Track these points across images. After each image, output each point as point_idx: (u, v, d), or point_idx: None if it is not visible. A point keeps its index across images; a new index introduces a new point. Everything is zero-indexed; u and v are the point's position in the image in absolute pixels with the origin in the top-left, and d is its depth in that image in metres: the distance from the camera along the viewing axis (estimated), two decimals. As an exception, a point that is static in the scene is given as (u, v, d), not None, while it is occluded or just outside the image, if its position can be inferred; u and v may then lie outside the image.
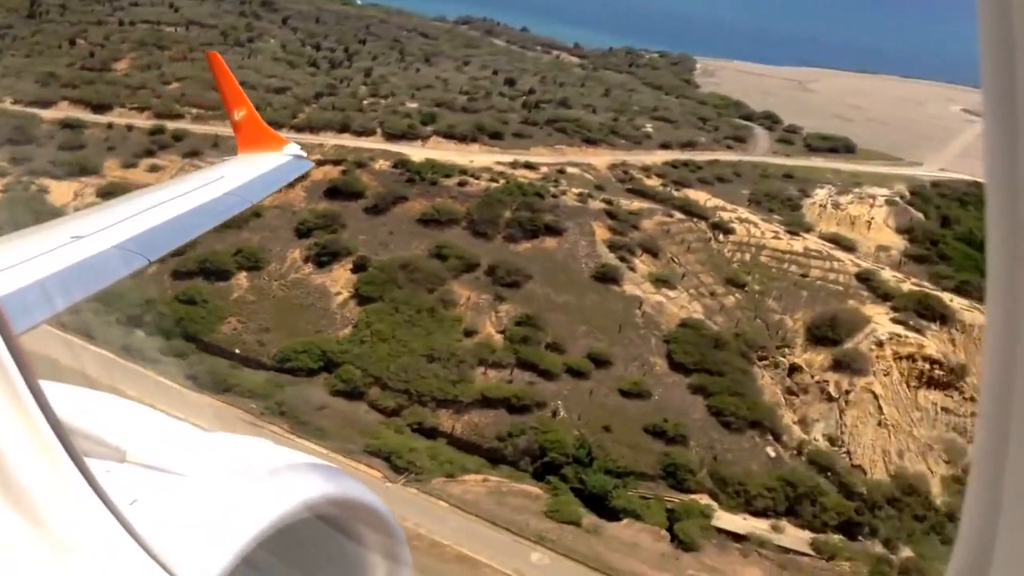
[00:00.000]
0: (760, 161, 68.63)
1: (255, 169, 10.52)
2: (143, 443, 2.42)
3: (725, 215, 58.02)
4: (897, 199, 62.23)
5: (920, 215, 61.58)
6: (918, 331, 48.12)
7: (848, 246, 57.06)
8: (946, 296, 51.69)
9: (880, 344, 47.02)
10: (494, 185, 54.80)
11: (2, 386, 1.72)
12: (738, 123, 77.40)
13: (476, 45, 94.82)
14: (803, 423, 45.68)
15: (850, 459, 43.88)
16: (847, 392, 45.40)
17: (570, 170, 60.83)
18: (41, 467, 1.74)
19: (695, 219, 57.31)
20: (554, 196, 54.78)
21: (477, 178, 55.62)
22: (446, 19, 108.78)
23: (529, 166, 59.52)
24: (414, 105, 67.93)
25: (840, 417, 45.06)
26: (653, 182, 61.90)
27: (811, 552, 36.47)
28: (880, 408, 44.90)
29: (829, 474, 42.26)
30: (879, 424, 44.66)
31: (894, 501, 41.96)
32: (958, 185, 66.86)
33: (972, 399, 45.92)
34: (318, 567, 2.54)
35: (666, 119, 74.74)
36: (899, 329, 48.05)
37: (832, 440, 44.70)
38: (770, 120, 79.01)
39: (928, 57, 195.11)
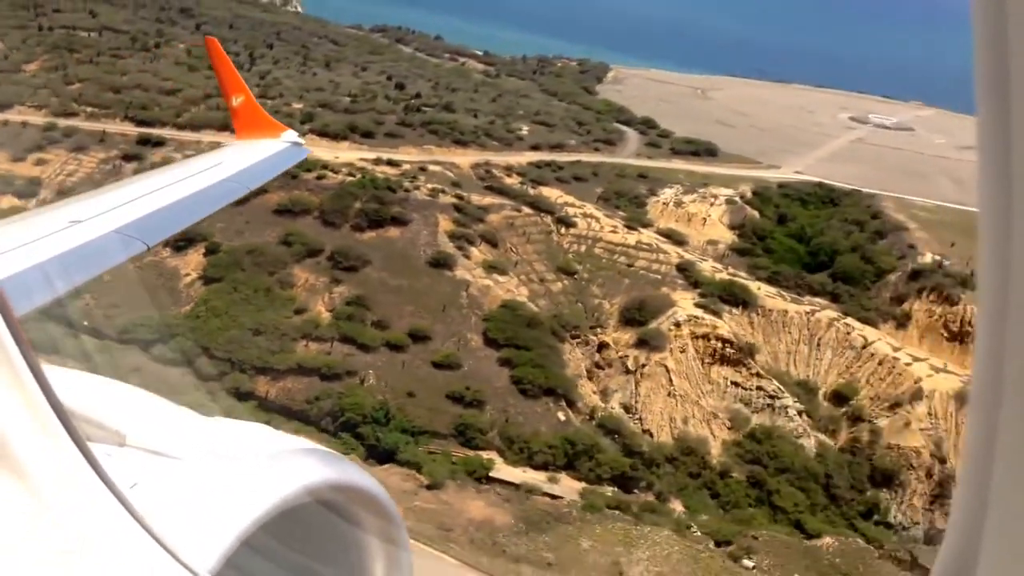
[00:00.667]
0: (620, 163, 74.35)
1: (253, 155, 10.70)
2: (143, 427, 2.45)
3: (571, 210, 63.56)
4: (737, 199, 68.12)
5: (756, 213, 67.49)
6: (716, 314, 53.81)
7: (680, 240, 62.81)
8: (755, 285, 57.54)
9: (678, 325, 52.66)
10: (350, 179, 59.98)
11: (4, 369, 1.73)
12: (614, 128, 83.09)
13: (381, 52, 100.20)
14: (604, 393, 51.22)
15: (641, 424, 49.43)
16: (643, 366, 50.99)
17: (433, 168, 66.14)
18: (44, 450, 1.75)
19: (542, 214, 62.79)
20: (406, 191, 60.03)
21: (336, 172, 60.80)
22: (362, 27, 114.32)
23: (392, 163, 64.77)
24: (299, 106, 73.10)
25: (635, 388, 50.64)
26: (512, 180, 67.38)
27: (560, 494, 41.80)
28: (671, 380, 50.50)
29: (616, 436, 47.72)
30: (668, 394, 50.25)
31: (672, 460, 47.52)
32: (803, 186, 73.03)
33: (759, 374, 51.71)
34: (318, 550, 2.59)
35: (544, 123, 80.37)
36: (699, 312, 53.71)
37: (627, 408, 50.26)
38: (646, 125, 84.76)
39: (873, 67, 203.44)
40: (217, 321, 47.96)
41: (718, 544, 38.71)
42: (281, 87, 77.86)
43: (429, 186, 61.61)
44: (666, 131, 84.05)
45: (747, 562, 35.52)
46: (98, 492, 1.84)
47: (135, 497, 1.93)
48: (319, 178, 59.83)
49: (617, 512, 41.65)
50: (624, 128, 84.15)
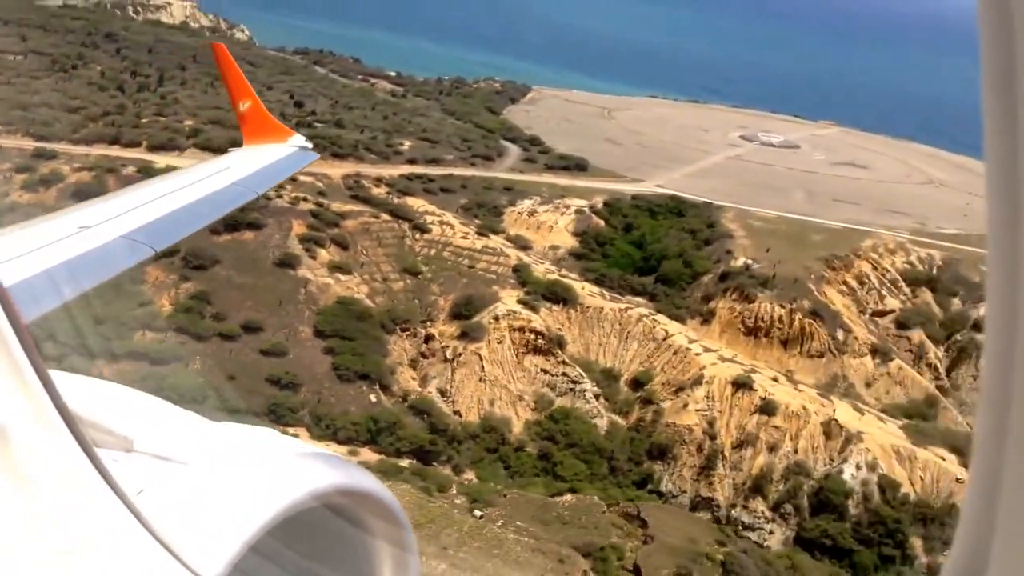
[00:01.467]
0: (491, 176, 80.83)
1: (261, 160, 10.82)
2: (150, 433, 2.48)
3: (429, 218, 69.84)
4: (586, 209, 74.56)
5: (601, 222, 73.92)
6: (534, 309, 59.95)
7: (524, 245, 69.12)
8: (580, 285, 63.75)
9: (497, 318, 58.78)
10: (215, 189, 66.25)
11: (12, 375, 1.75)
12: (498, 145, 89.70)
13: (293, 73, 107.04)
14: (424, 379, 57.23)
15: (453, 406, 55.39)
16: (459, 355, 57.04)
17: (304, 179, 72.47)
18: (51, 456, 1.77)
19: (400, 220, 69.11)
20: (267, 198, 66.27)
21: (205, 183, 67.07)
22: (284, 49, 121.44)
23: (263, 175, 71.04)
24: (190, 122, 79.60)
25: (451, 375, 56.64)
26: (379, 191, 73.76)
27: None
28: (483, 367, 56.52)
29: (425, 416, 53.63)
30: (480, 380, 56.25)
31: (475, 436, 53.43)
32: (658, 199, 79.45)
33: (565, 362, 57.73)
34: (326, 556, 2.62)
35: (429, 139, 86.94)
36: (519, 308, 59.88)
37: (442, 392, 56.23)
38: (530, 143, 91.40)
39: (822, 87, 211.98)
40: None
41: (473, 501, 44.45)
42: (178, 105, 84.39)
43: (293, 195, 67.87)
44: (547, 148, 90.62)
45: (476, 512, 41.17)
46: (105, 497, 1.85)
47: (142, 503, 1.95)
48: (187, 187, 65.99)
49: (402, 478, 47.41)
50: (509, 145, 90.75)
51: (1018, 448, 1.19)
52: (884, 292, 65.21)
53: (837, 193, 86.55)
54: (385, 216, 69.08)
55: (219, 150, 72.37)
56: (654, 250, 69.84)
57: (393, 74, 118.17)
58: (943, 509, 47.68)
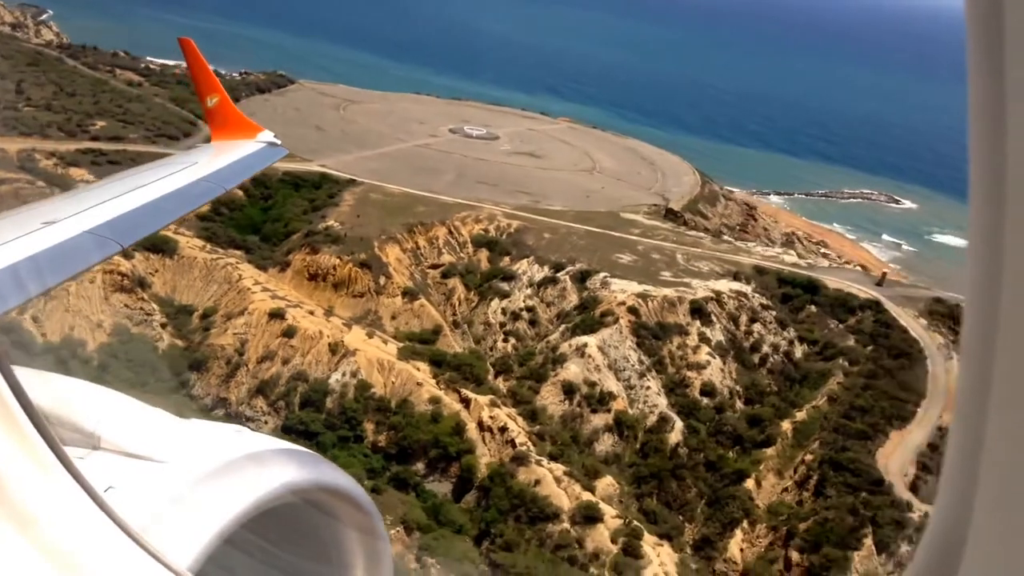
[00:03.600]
0: (166, 152, 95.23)
1: (229, 156, 11.17)
2: (118, 430, 2.52)
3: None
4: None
5: (241, 192, 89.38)
6: (127, 256, 74.87)
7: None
8: (185, 239, 78.97)
9: (94, 263, 73.56)
10: None
11: None
12: (195, 128, 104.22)
13: (38, 64, 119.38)
14: (21, 310, 71.58)
15: (41, 329, 69.80)
16: (50, 290, 71.64)
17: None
18: (17, 454, 1.77)
19: (54, 187, 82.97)
20: None
21: None
22: (51, 44, 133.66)
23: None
24: None
25: (44, 305, 71.09)
26: (48, 163, 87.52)
27: None
28: (70, 300, 71.16)
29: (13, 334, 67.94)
30: (66, 310, 70.89)
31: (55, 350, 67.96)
32: (308, 175, 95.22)
33: (143, 299, 72.75)
34: (297, 549, 2.70)
35: (125, 120, 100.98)
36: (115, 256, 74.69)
37: (34, 319, 70.62)
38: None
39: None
40: None
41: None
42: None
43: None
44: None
45: None
46: (73, 495, 1.84)
47: (111, 499, 1.94)
48: None
49: None
50: (206, 128, 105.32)
51: (994, 446, 1.23)
52: (445, 251, 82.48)
53: (485, 177, 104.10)
54: (40, 183, 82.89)
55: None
56: (275, 215, 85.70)
57: (142, 67, 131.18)
58: (389, 399, 64.52)
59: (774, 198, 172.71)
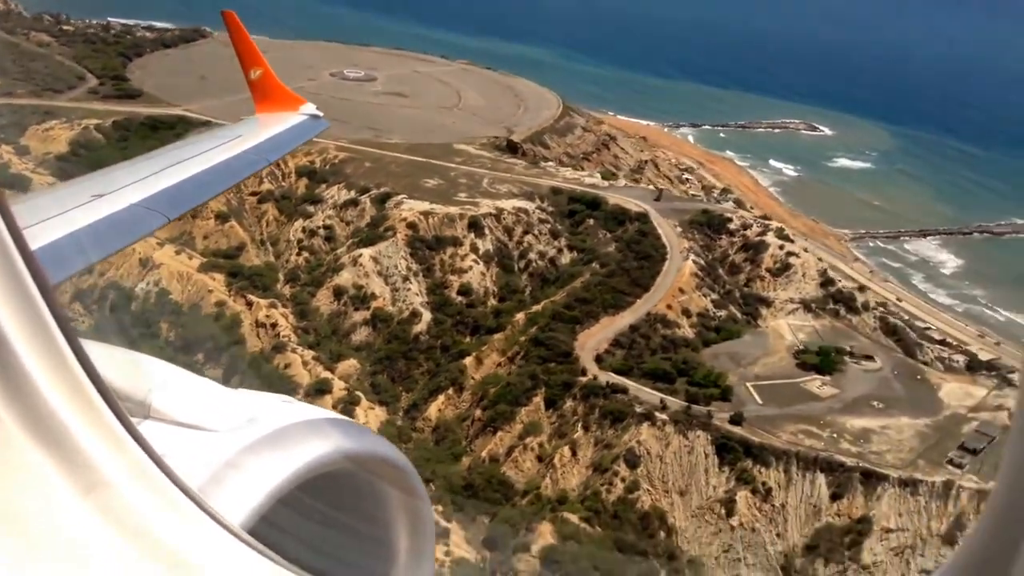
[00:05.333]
0: (47, 104, 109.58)
1: (272, 128, 11.51)
2: (168, 399, 2.62)
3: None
4: (91, 126, 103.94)
5: (101, 136, 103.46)
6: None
7: (25, 151, 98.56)
8: (35, 176, 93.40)
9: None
10: None
11: (41, 338, 1.83)
12: (81, 81, 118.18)
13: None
14: None
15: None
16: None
17: None
18: (84, 421, 1.85)
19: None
20: None
21: None
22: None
23: None
24: None
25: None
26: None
27: None
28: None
29: None
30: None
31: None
32: (168, 118, 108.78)
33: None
34: (343, 520, 2.77)
35: (8, 76, 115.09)
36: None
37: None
38: (112, 79, 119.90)
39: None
40: None
41: None
42: None
43: None
44: (124, 79, 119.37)
45: None
46: (138, 459, 1.93)
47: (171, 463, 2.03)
48: None
49: None
50: (93, 81, 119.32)
51: None
52: (267, 180, 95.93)
53: (341, 114, 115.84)
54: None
55: None
56: (127, 155, 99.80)
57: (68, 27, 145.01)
58: (183, 304, 78.89)
59: (686, 129, 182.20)
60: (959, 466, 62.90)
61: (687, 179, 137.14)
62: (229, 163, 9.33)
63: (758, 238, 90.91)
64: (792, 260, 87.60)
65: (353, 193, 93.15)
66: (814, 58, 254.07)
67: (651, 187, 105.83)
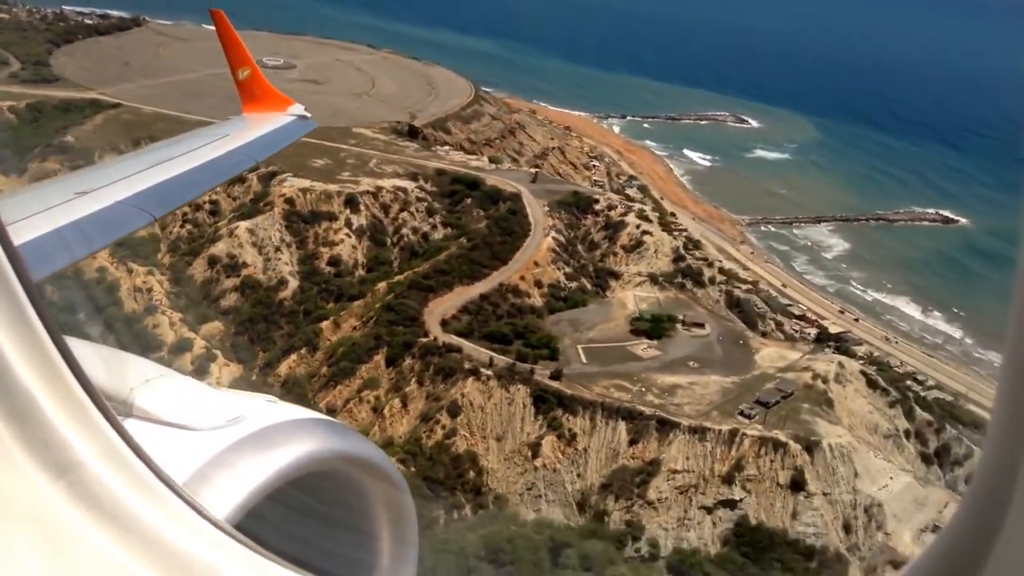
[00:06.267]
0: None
1: (259, 128, 11.62)
2: (150, 398, 2.64)
3: None
4: (5, 108, 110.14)
5: (14, 116, 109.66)
6: None
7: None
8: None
9: None
10: None
11: (22, 332, 1.84)
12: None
13: None
14: None
15: None
16: None
17: None
18: (65, 413, 1.86)
19: None
20: None
21: None
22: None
23: None
24: None
25: None
26: None
27: None
28: None
29: None
30: None
31: None
32: (81, 102, 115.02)
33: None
34: (324, 519, 2.81)
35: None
36: None
37: None
38: (34, 64, 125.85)
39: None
40: None
41: None
42: None
43: None
44: (46, 64, 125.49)
45: None
46: (119, 450, 1.93)
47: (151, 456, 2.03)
48: None
49: None
50: (15, 66, 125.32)
51: None
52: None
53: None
54: None
55: None
56: (39, 133, 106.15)
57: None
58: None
59: (615, 120, 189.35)
60: (748, 417, 70.17)
61: (594, 166, 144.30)
62: (215, 162, 9.41)
63: (619, 218, 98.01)
64: (646, 238, 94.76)
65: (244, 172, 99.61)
66: (754, 52, 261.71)
67: (534, 171, 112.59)
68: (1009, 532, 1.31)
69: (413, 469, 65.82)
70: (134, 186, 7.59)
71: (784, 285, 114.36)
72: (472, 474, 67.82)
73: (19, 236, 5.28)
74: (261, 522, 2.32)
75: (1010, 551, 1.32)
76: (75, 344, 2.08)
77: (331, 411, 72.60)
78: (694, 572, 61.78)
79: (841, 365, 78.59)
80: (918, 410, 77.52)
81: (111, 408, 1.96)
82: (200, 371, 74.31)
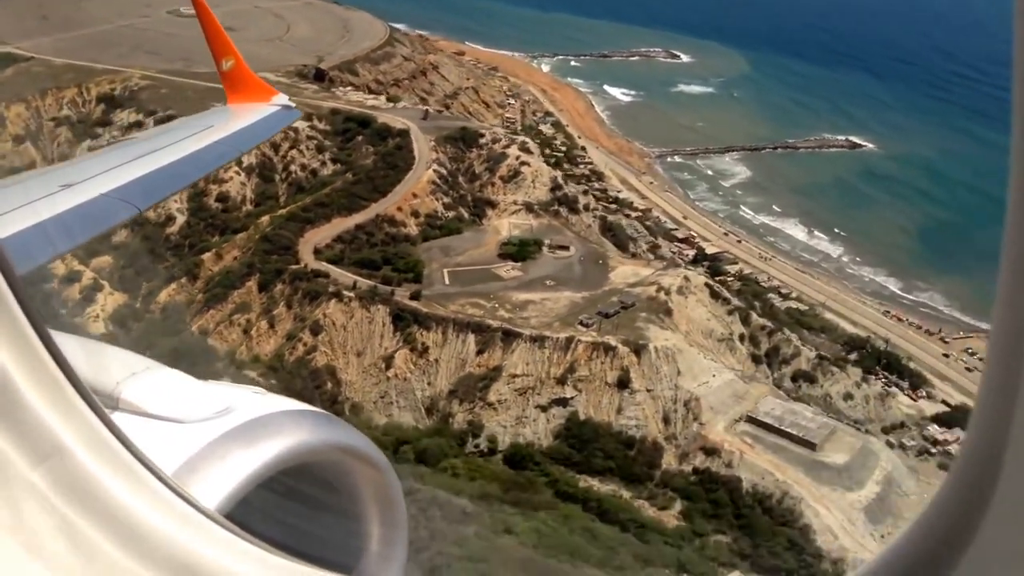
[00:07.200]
0: None
1: (244, 119, 11.46)
2: (137, 391, 2.64)
3: None
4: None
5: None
6: None
7: None
8: None
9: None
10: None
11: (8, 327, 1.82)
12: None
13: None
14: None
15: None
16: None
17: None
18: (52, 406, 1.85)
19: None
20: None
21: None
22: None
23: None
24: None
25: None
26: None
27: None
28: None
29: None
30: None
31: None
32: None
33: None
34: (313, 511, 2.83)
35: None
36: None
37: None
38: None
39: None
40: None
41: None
42: None
43: None
44: None
45: None
46: (106, 440, 1.92)
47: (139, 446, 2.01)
48: None
49: None
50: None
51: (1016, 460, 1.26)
52: (68, 107, 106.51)
53: (158, 48, 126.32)
54: None
55: None
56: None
57: None
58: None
59: (546, 59, 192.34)
60: (587, 326, 76.60)
61: (509, 103, 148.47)
62: (199, 154, 9.46)
63: (502, 151, 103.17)
64: (523, 168, 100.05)
65: (140, 116, 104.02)
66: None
67: (429, 109, 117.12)
68: (994, 512, 1.33)
69: (274, 382, 72.11)
70: (119, 178, 7.66)
71: (683, 216, 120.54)
72: (330, 385, 74.28)
73: (4, 229, 5.57)
74: (251, 512, 2.38)
75: (996, 531, 1.33)
76: (59, 337, 2.12)
77: (203, 333, 78.74)
78: (526, 462, 68.83)
79: (687, 279, 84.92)
80: (755, 316, 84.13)
81: (98, 401, 1.99)
82: (87, 299, 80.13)
